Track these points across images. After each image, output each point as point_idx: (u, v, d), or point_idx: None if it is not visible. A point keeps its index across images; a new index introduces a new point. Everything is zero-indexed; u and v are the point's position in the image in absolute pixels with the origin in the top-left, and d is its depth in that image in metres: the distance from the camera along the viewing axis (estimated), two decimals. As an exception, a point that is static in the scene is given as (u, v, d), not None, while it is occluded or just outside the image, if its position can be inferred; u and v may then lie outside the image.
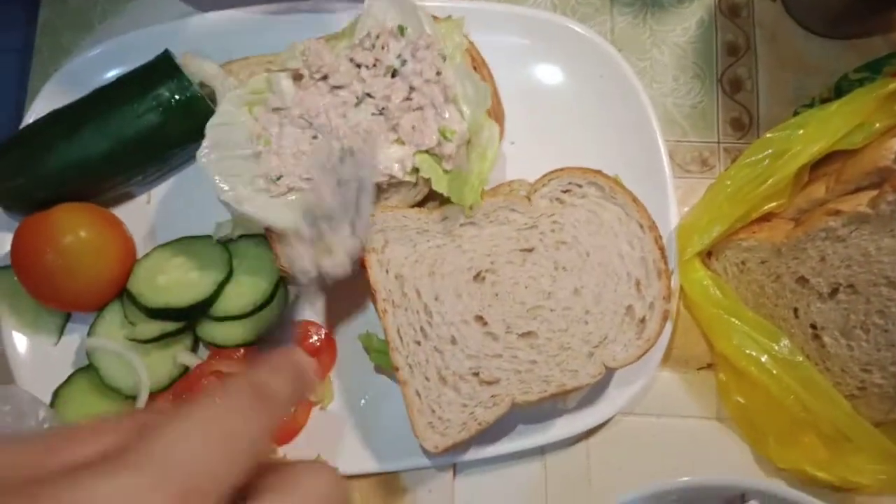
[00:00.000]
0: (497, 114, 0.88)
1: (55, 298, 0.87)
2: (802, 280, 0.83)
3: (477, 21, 0.90)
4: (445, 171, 0.84)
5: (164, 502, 0.31)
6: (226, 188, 0.83)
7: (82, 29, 1.04)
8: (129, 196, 0.96)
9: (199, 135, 0.85)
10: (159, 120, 0.86)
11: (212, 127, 0.84)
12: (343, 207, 0.68)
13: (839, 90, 0.88)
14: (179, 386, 0.87)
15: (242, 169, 0.85)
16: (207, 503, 0.33)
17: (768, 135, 0.85)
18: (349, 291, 0.91)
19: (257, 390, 0.39)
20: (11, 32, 1.10)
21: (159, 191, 0.96)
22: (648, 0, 1.01)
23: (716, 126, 0.98)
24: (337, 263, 0.67)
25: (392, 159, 0.82)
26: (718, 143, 0.98)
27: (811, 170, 0.86)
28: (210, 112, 0.87)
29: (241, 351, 0.87)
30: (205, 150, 0.83)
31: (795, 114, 0.91)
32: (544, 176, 0.85)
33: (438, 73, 0.83)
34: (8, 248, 0.88)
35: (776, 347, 0.82)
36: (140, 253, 0.91)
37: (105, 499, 0.30)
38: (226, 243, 0.90)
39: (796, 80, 0.98)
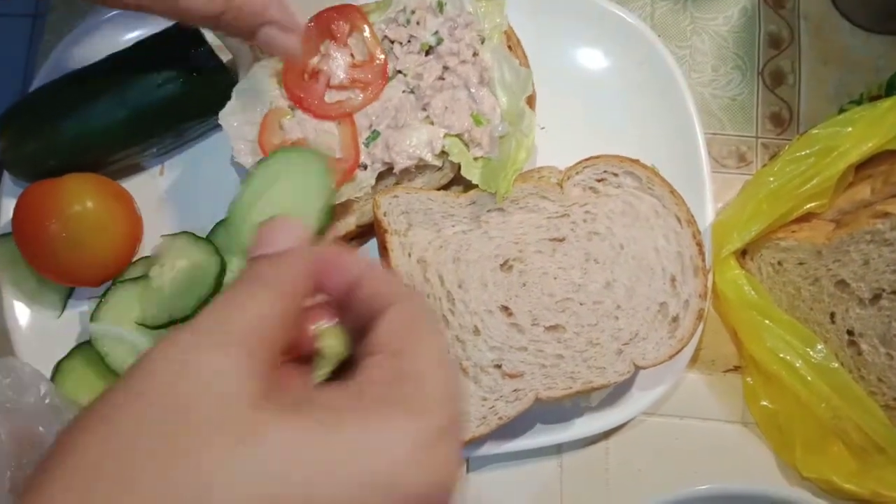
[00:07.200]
0: (530, 98, 0.84)
1: (56, 271, 0.84)
2: (842, 284, 0.80)
3: (511, -2, 0.86)
4: (475, 158, 0.80)
5: None
6: (243, 150, 0.80)
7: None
8: (139, 168, 0.92)
9: (218, 107, 0.81)
10: (181, 90, 0.82)
11: (239, 91, 0.81)
12: None
13: (891, 88, 0.84)
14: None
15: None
16: None
17: (814, 131, 0.81)
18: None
19: None
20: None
21: (171, 164, 0.92)
22: (691, -15, 0.97)
23: (755, 120, 0.94)
24: None
25: (421, 141, 0.79)
26: (756, 137, 0.94)
27: (855, 170, 0.82)
28: (232, 84, 0.83)
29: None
30: (228, 111, 0.80)
31: (841, 110, 0.87)
32: (578, 163, 0.81)
33: (475, 55, 0.79)
34: (10, 216, 0.83)
35: (811, 352, 0.79)
36: (147, 229, 0.87)
37: None
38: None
39: (839, 75, 0.95)
